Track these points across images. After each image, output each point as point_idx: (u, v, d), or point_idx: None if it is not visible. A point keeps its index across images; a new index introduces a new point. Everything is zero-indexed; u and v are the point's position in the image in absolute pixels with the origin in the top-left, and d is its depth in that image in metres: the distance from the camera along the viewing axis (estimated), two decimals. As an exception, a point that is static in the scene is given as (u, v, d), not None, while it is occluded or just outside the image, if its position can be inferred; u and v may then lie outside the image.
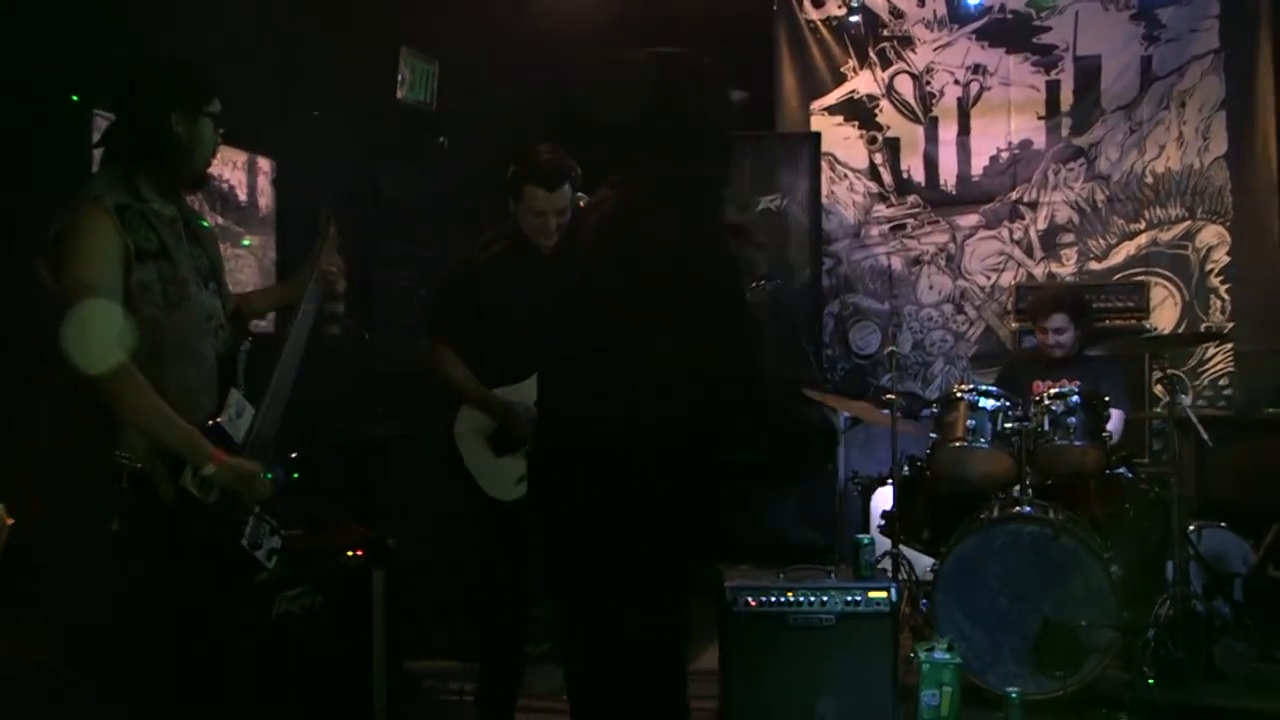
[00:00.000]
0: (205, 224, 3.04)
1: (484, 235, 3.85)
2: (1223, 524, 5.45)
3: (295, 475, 4.12)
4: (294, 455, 3.08)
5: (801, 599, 4.00)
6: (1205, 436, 4.89)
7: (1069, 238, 6.68)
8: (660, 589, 2.65)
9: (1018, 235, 6.74)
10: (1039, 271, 6.69)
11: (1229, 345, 6.42)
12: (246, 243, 4.43)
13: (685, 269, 2.55)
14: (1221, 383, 6.45)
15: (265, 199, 4.72)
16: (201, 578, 2.66)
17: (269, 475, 2.83)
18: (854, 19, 6.74)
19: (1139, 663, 4.32)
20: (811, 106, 6.93)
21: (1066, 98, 6.69)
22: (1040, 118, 6.72)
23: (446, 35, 5.53)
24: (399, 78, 5.15)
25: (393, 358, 5.39)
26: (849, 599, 4.00)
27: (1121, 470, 4.92)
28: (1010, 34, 6.73)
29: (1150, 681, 4.25)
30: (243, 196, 4.59)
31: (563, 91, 5.36)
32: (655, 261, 2.56)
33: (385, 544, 3.85)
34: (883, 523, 5.16)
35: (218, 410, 2.75)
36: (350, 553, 3.77)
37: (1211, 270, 6.49)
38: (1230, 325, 6.41)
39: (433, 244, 5.53)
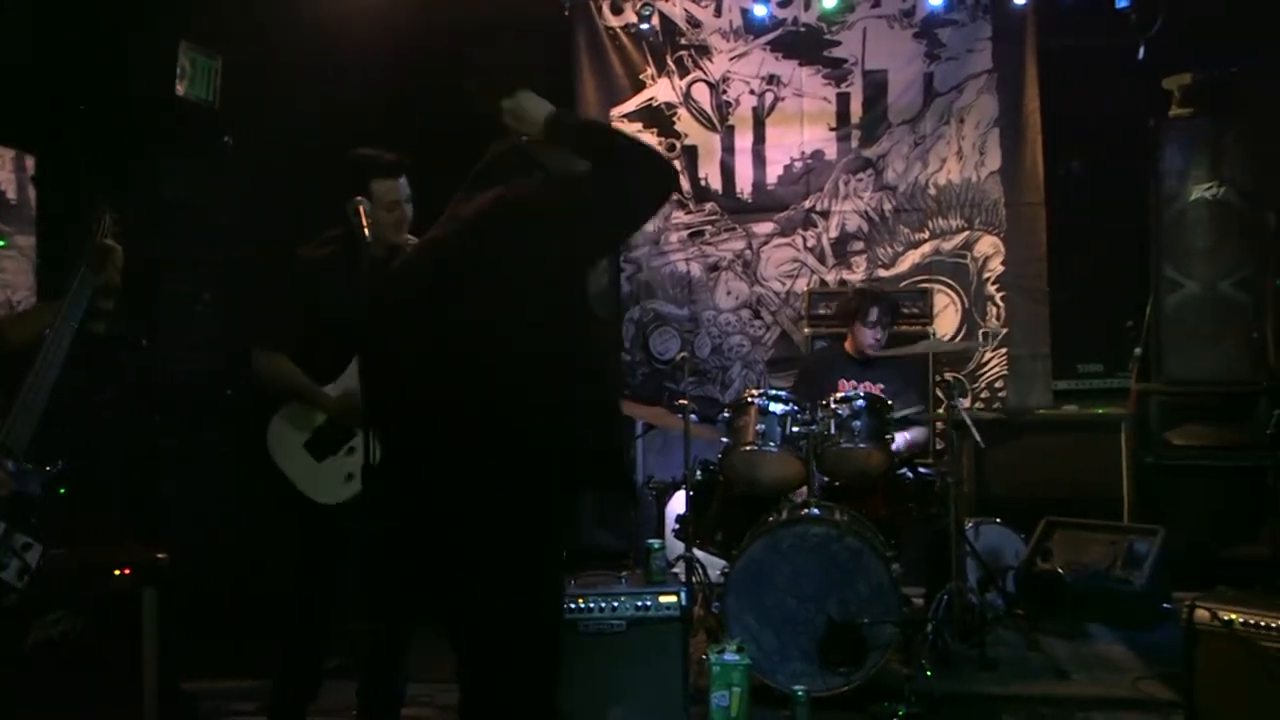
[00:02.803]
0: None
1: (325, 235, 3.76)
2: (998, 520, 5.75)
3: (62, 490, 3.89)
4: (48, 468, 2.91)
5: (592, 605, 4.02)
6: (978, 438, 5.12)
7: (859, 246, 6.91)
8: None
9: (811, 243, 6.93)
10: (831, 278, 6.90)
11: (1004, 350, 6.77)
12: (1, 243, 4.16)
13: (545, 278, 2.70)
14: (997, 385, 6.79)
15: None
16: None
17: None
18: (645, 26, 6.79)
19: (918, 656, 4.50)
20: (611, 113, 6.96)
21: (856, 110, 6.92)
22: (831, 129, 6.93)
23: (231, 31, 5.33)
24: (178, 71, 4.93)
25: (173, 365, 5.16)
26: (639, 604, 4.04)
27: (904, 471, 5.12)
28: (803, 46, 6.91)
29: (928, 673, 4.43)
30: (11, 195, 4.31)
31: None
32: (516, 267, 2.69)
33: (157, 560, 3.67)
34: (677, 527, 5.23)
35: None
36: (118, 571, 3.58)
37: (988, 279, 6.83)
38: (1005, 331, 6.76)
39: (217, 246, 5.31)
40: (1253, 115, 6.11)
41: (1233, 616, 3.57)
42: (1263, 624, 3.49)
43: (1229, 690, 3.56)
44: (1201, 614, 3.64)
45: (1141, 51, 6.25)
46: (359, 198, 3.53)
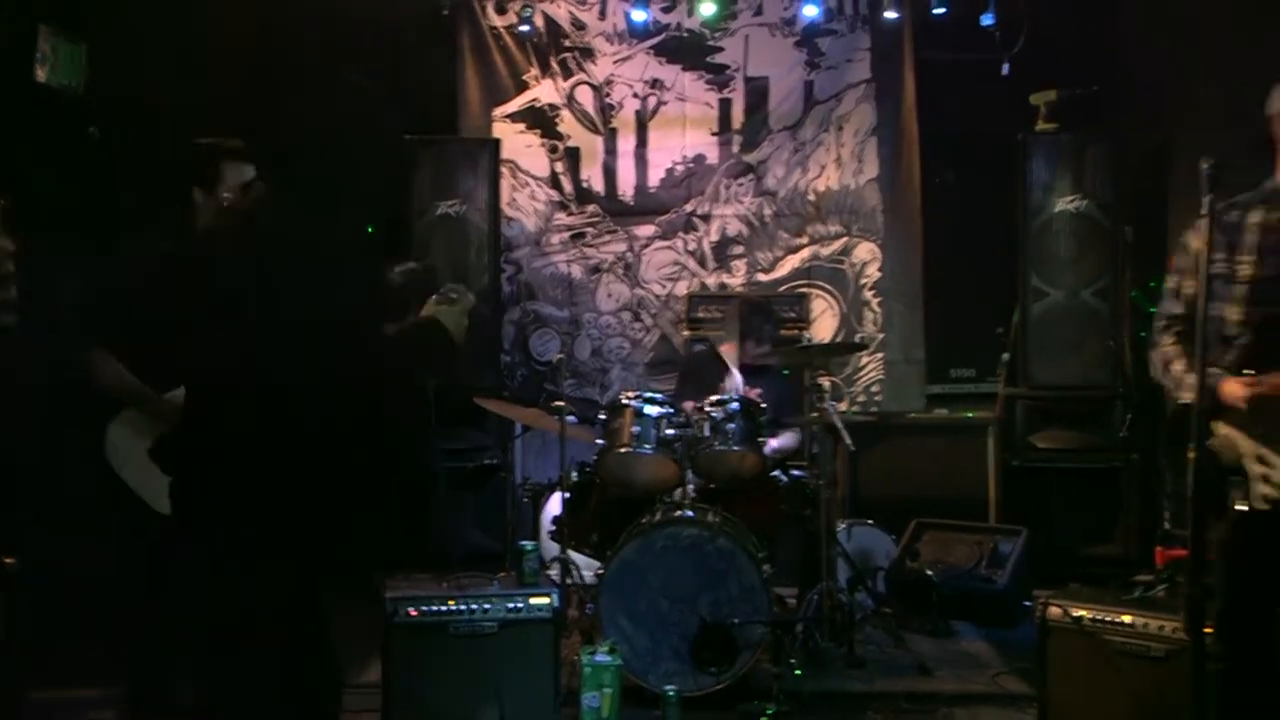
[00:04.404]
0: None
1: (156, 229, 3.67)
2: (870, 521, 5.87)
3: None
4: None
5: (463, 607, 4.01)
6: (848, 440, 5.22)
7: (739, 250, 7.00)
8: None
9: (691, 246, 6.99)
10: (711, 282, 6.97)
11: (880, 355, 6.92)
12: None
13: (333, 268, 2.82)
14: (874, 389, 6.93)
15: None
16: None
17: None
18: (525, 28, 6.78)
19: (788, 655, 4.56)
20: (493, 113, 6.94)
21: (737, 116, 7.01)
22: (713, 134, 7.00)
23: (98, 17, 5.18)
24: (38, 56, 4.75)
25: (33, 361, 4.97)
26: (511, 606, 4.04)
27: (777, 473, 5.20)
28: (686, 52, 6.98)
29: (798, 672, 4.50)
30: None
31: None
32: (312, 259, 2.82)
33: (4, 565, 3.53)
34: (553, 528, 5.23)
35: None
36: (-36, 577, 3.44)
37: (865, 284, 6.97)
38: (881, 336, 6.91)
39: (80, 239, 5.14)
40: (1112, 132, 6.35)
41: (1082, 613, 3.70)
42: (1109, 619, 3.63)
43: (1078, 683, 3.69)
44: (1054, 611, 3.77)
45: (1005, 68, 6.46)
46: (226, 192, 3.45)
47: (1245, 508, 2.84)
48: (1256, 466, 3.05)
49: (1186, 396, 3.18)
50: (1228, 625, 2.83)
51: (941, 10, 6.52)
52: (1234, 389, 3.03)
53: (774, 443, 5.38)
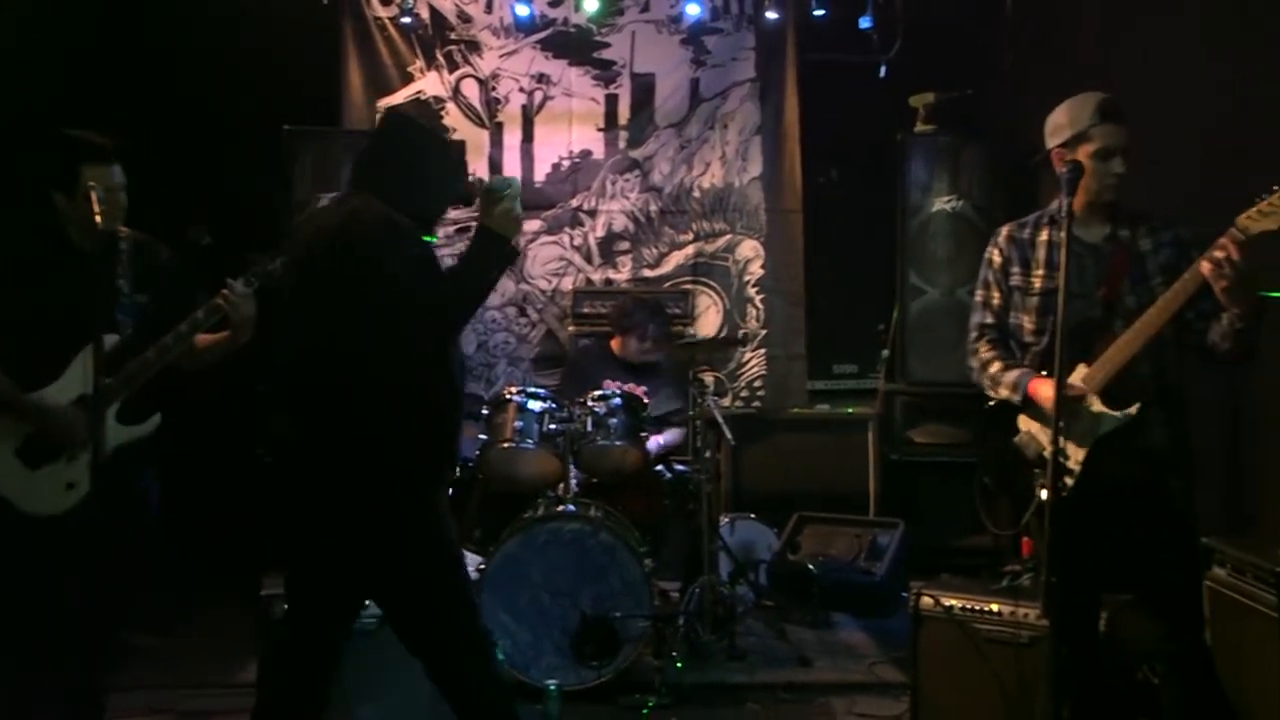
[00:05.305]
0: None
1: (25, 223, 3.53)
2: (752, 515, 5.95)
3: None
4: None
5: (341, 605, 3.93)
6: (729, 435, 5.28)
7: (625, 246, 7.01)
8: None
9: (578, 242, 6.98)
10: (597, 278, 6.97)
11: (763, 350, 7.00)
12: None
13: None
14: (756, 384, 7.02)
15: None
16: None
17: None
18: (407, 19, 6.69)
19: (670, 647, 4.61)
20: (378, 104, 6.82)
21: (624, 112, 7.02)
22: (600, 129, 7.00)
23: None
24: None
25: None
26: (390, 603, 3.97)
27: (659, 468, 5.24)
28: (573, 47, 6.96)
29: (679, 665, 4.56)
30: None
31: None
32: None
33: None
34: (436, 524, 5.17)
35: None
36: None
37: (749, 281, 7.04)
38: (764, 332, 7.00)
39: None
40: (987, 134, 6.53)
41: (953, 602, 3.81)
42: (977, 608, 3.75)
43: (948, 670, 3.80)
44: (926, 600, 3.87)
45: (883, 70, 6.62)
46: (91, 183, 3.35)
47: (1045, 495, 2.97)
48: None
49: (1004, 393, 3.44)
50: (1053, 609, 2.95)
51: (821, 12, 6.63)
52: (1045, 390, 3.22)
53: (659, 439, 5.42)
